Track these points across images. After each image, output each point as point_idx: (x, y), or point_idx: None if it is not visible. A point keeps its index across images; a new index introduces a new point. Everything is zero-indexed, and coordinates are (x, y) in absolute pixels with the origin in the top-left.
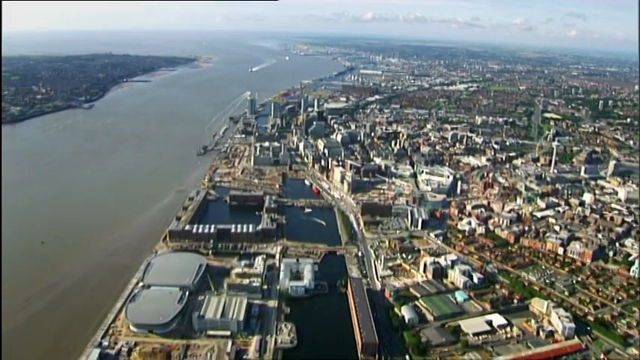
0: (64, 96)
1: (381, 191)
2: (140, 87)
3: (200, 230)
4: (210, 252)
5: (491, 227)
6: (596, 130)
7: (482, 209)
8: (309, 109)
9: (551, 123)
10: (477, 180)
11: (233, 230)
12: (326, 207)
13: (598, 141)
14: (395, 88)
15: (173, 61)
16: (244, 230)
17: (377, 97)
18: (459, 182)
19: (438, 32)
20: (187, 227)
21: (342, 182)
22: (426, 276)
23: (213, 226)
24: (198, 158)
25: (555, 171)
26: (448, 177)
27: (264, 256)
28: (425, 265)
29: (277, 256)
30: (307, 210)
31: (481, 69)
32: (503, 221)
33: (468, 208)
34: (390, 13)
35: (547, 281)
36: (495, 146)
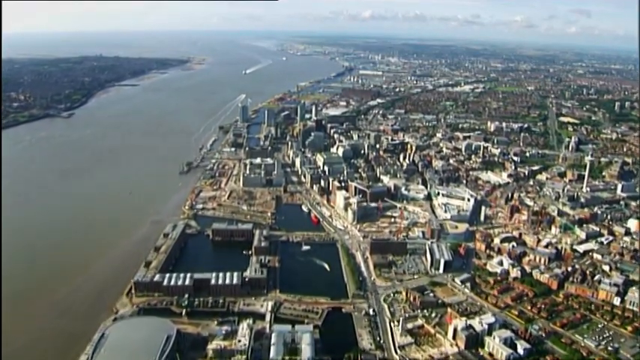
0: (43, 103)
1: (392, 220)
2: (127, 92)
3: (173, 282)
4: (184, 311)
5: (527, 268)
6: (620, 136)
7: (514, 243)
8: (307, 116)
9: (570, 129)
10: (501, 202)
11: (213, 281)
12: (327, 242)
13: (625, 150)
14: (397, 90)
15: (165, 63)
16: (227, 281)
17: (379, 100)
18: (482, 206)
19: (438, 30)
20: (157, 277)
21: (345, 209)
22: (457, 345)
23: (189, 276)
24: (180, 177)
25: (588, 189)
26: (468, 200)
27: (250, 322)
28: (455, 330)
29: (267, 316)
30: (305, 247)
31: (484, 68)
32: (540, 259)
33: (496, 241)
34: (388, 12)
35: (610, 348)
36: (515, 158)
